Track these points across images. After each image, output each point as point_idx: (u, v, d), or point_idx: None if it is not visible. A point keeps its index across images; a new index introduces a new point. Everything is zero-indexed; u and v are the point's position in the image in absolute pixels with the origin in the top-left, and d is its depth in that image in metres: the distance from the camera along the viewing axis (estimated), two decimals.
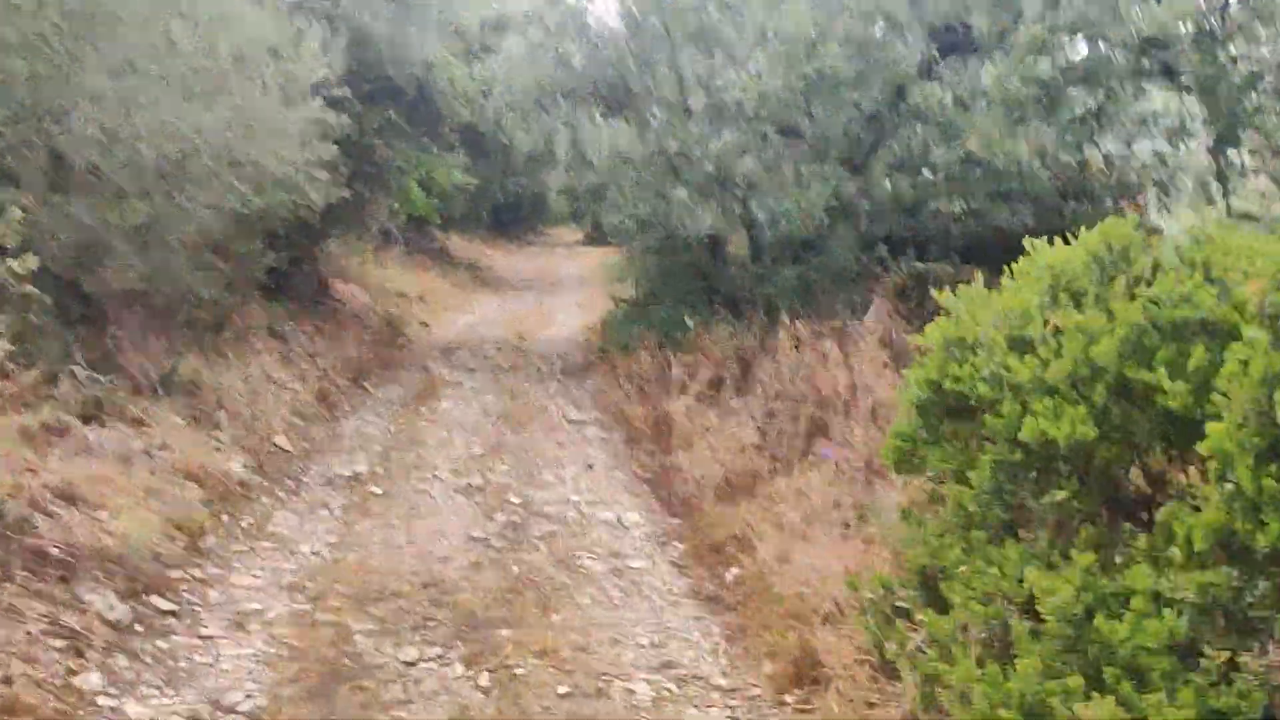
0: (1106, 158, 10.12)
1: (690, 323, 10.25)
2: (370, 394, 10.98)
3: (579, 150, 14.38)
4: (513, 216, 35.14)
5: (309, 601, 5.26)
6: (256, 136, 8.42)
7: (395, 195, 15.23)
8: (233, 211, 8.88)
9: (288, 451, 8.14)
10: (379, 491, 7.29)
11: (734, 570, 5.56)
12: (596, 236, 39.16)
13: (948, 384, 4.33)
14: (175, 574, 5.30)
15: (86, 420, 6.83)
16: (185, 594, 5.17)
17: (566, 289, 23.81)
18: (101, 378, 7.39)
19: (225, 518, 6.38)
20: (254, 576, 5.60)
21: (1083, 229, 4.15)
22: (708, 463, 6.99)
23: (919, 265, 12.78)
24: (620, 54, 12.13)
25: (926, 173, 9.23)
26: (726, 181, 11.18)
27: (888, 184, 9.55)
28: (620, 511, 6.84)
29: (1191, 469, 3.42)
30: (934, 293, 4.89)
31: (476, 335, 15.54)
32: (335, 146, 10.39)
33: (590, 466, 7.91)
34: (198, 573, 5.46)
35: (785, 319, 10.04)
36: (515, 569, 5.79)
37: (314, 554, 6.02)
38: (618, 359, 11.34)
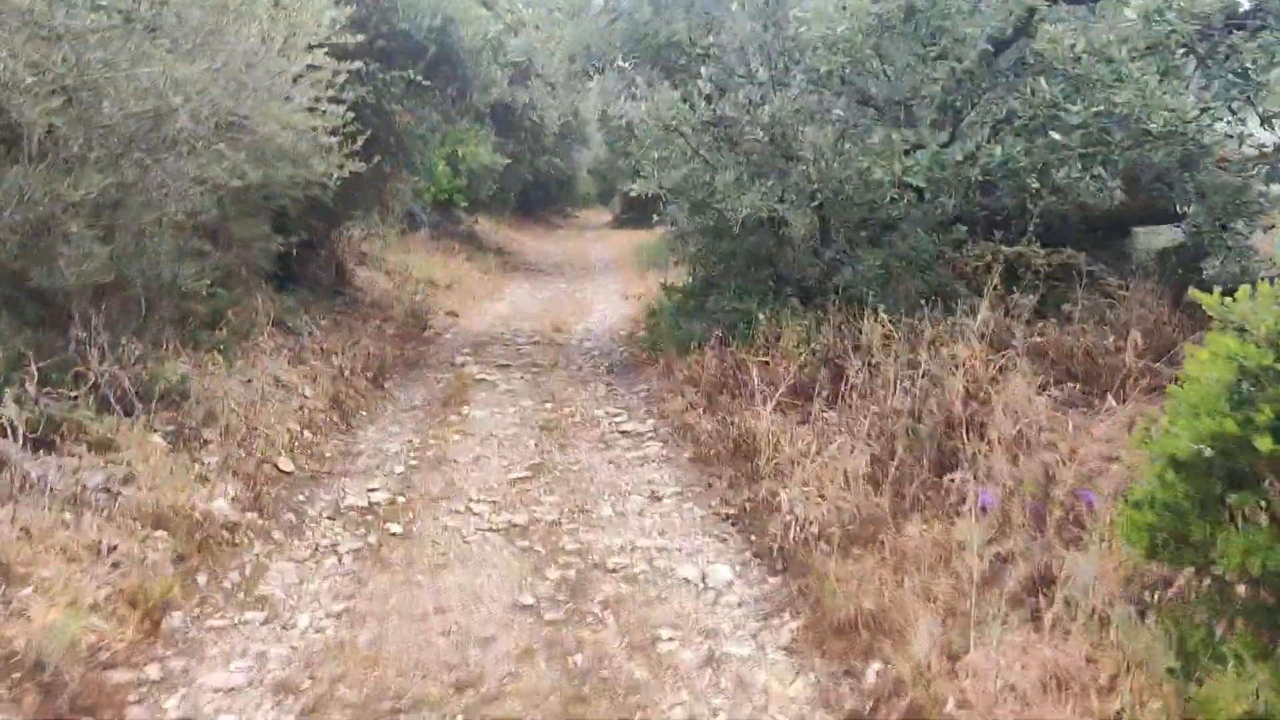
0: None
1: (761, 317, 8.73)
2: (392, 398, 9.52)
3: (618, 122, 12.89)
4: (541, 198, 33.66)
5: (301, 718, 3.80)
6: (252, 95, 6.94)
7: (419, 172, 13.72)
8: (229, 188, 7.44)
9: (290, 475, 6.69)
10: (399, 530, 5.81)
11: (875, 668, 4.05)
12: (626, 218, 37.65)
13: (1232, 429, 2.83)
14: (119, 678, 3.84)
15: (36, 448, 5.39)
16: (131, 711, 3.71)
17: (601, 274, 22.29)
18: (61, 392, 5.96)
19: (202, 578, 4.92)
20: (231, 671, 4.13)
21: None
22: (811, 499, 5.48)
23: (1006, 249, 11.27)
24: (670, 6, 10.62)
25: (1056, 135, 7.63)
26: (789, 151, 9.65)
27: (999, 150, 7.97)
28: (704, 564, 5.34)
29: None
30: (1195, 295, 3.38)
31: (509, 327, 14.06)
32: (347, 110, 8.93)
33: (657, 497, 6.40)
34: (154, 672, 4.00)
35: (871, 313, 8.60)
36: (578, 658, 4.30)
37: (314, 630, 4.55)
38: (673, 358, 9.85)
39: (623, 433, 7.98)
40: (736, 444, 6.79)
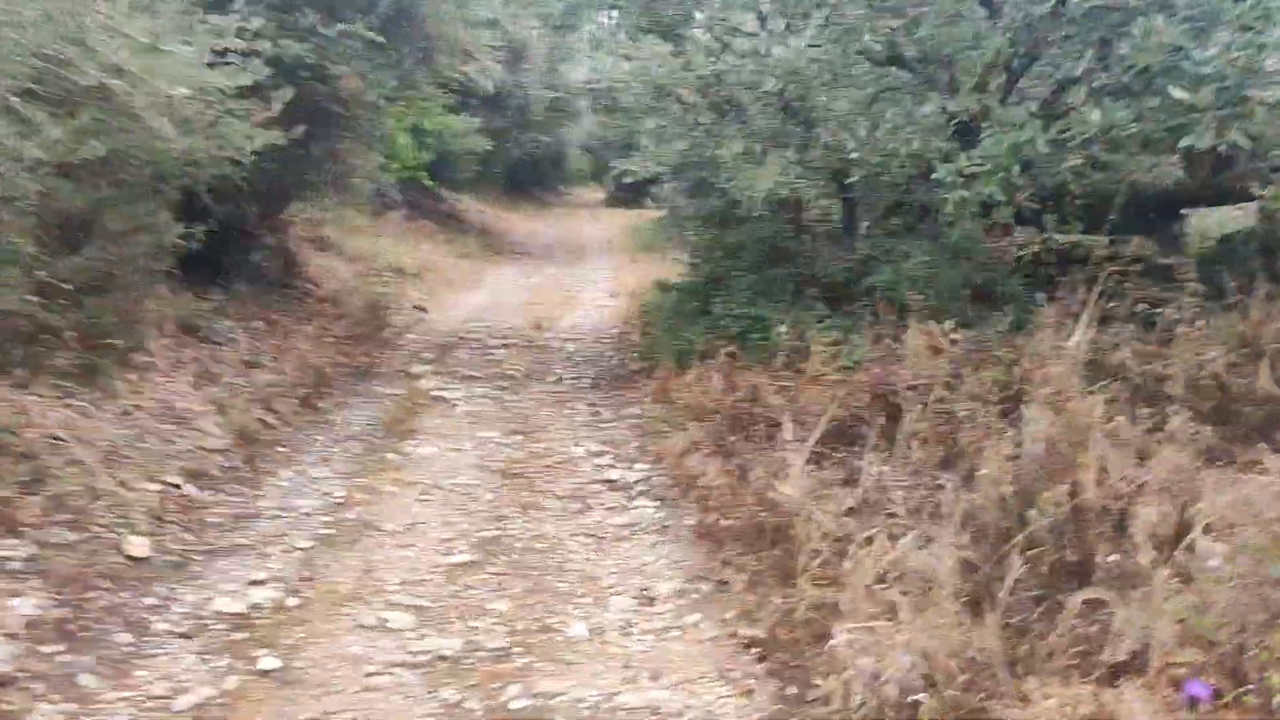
0: None
1: (783, 328, 6.81)
2: (324, 423, 7.59)
3: (602, 86, 10.96)
4: (531, 175, 31.62)
5: None
6: (99, 38, 4.99)
7: (378, 145, 11.74)
8: (81, 165, 5.52)
9: (144, 562, 4.77)
10: (274, 665, 3.89)
11: None
12: (619, 197, 35.61)
13: None
14: None
15: None
16: None
17: (592, 258, 20.34)
18: None
19: None
20: None
21: None
22: (880, 632, 3.57)
23: (1059, 237, 9.38)
24: None
25: (1179, 91, 5.67)
26: (808, 117, 7.72)
27: (1095, 115, 6.02)
28: None
29: None
30: None
31: (484, 323, 12.12)
32: (277, 73, 7.05)
33: (650, 599, 4.48)
34: None
35: (918, 320, 6.74)
36: None
37: None
38: (670, 372, 7.94)
39: (607, 483, 6.05)
40: (758, 514, 4.88)
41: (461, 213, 22.85)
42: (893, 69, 7.96)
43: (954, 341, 6.52)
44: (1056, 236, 9.41)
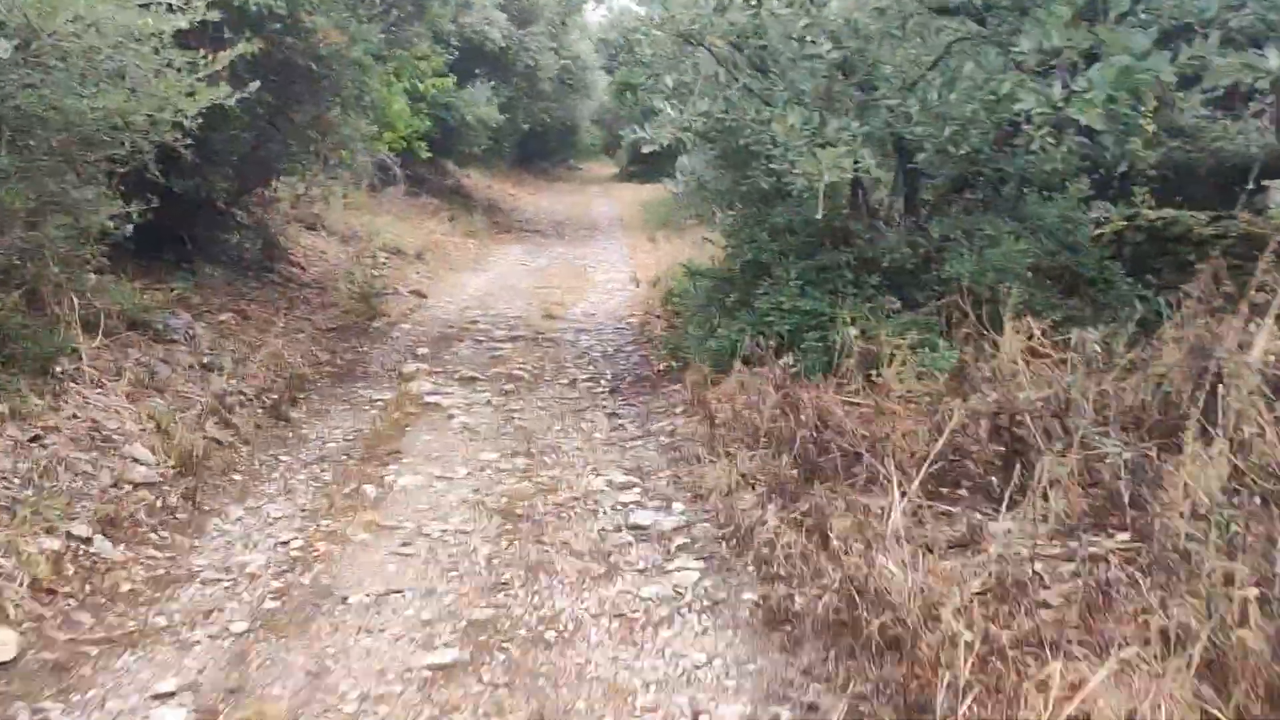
0: None
1: (852, 329, 5.45)
2: (294, 439, 6.27)
3: (615, 37, 9.53)
4: (541, 149, 30.15)
5: None
6: None
7: (369, 111, 10.34)
8: None
9: (8, 667, 3.45)
10: None
11: None
12: (633, 171, 34.10)
13: None
14: None
15: None
16: None
17: (604, 236, 18.93)
18: None
19: None
20: None
21: None
22: None
23: (1148, 213, 8.01)
24: None
25: None
26: (868, 79, 6.31)
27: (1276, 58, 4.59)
28: None
29: None
30: None
31: (487, 311, 10.75)
32: (210, 9, 5.67)
33: None
34: None
35: (1014, 320, 5.47)
36: None
37: None
38: (704, 375, 6.58)
39: (636, 530, 4.69)
40: (850, 595, 3.52)
41: (467, 188, 21.45)
42: (962, 18, 6.55)
43: (1061, 345, 5.19)
44: (1146, 211, 8.03)
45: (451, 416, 6.70)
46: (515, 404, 7.01)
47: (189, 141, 6.00)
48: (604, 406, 6.92)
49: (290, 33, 7.80)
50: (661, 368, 7.46)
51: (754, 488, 4.73)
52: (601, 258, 15.64)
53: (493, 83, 18.99)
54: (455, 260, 14.06)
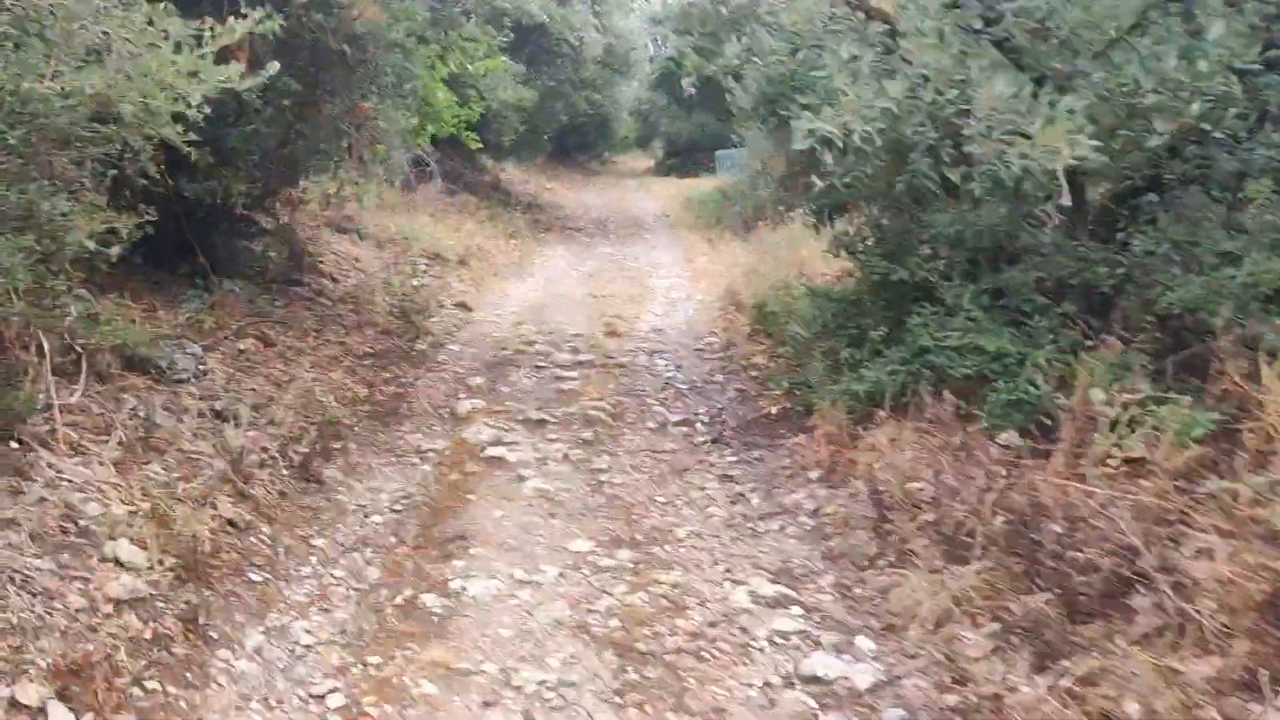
0: None
1: (1101, 392, 4.01)
2: (329, 510, 4.89)
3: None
4: (576, 142, 28.76)
5: None
6: None
7: (407, 100, 8.95)
8: None
9: None
10: None
11: None
12: (670, 165, 32.60)
13: None
14: None
15: None
16: None
17: (652, 234, 17.51)
18: None
19: None
20: None
21: None
22: None
23: None
24: None
25: None
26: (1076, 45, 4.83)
27: None
28: None
29: None
30: None
31: (541, 327, 9.35)
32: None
33: None
34: None
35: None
36: None
37: None
38: (840, 427, 5.17)
39: (815, 686, 3.27)
40: None
41: (505, 184, 20.06)
42: None
43: None
44: None
45: (522, 478, 5.30)
46: (598, 458, 5.61)
47: (196, 138, 4.60)
48: (711, 464, 5.51)
49: (319, 8, 6.42)
50: (774, 410, 6.03)
51: (977, 622, 3.31)
52: (654, 260, 14.22)
53: (530, 66, 17.55)
54: (499, 265, 12.66)
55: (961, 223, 5.09)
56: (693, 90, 36.74)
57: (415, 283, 10.11)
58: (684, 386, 7.14)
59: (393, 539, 4.62)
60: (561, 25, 19.52)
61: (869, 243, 6.42)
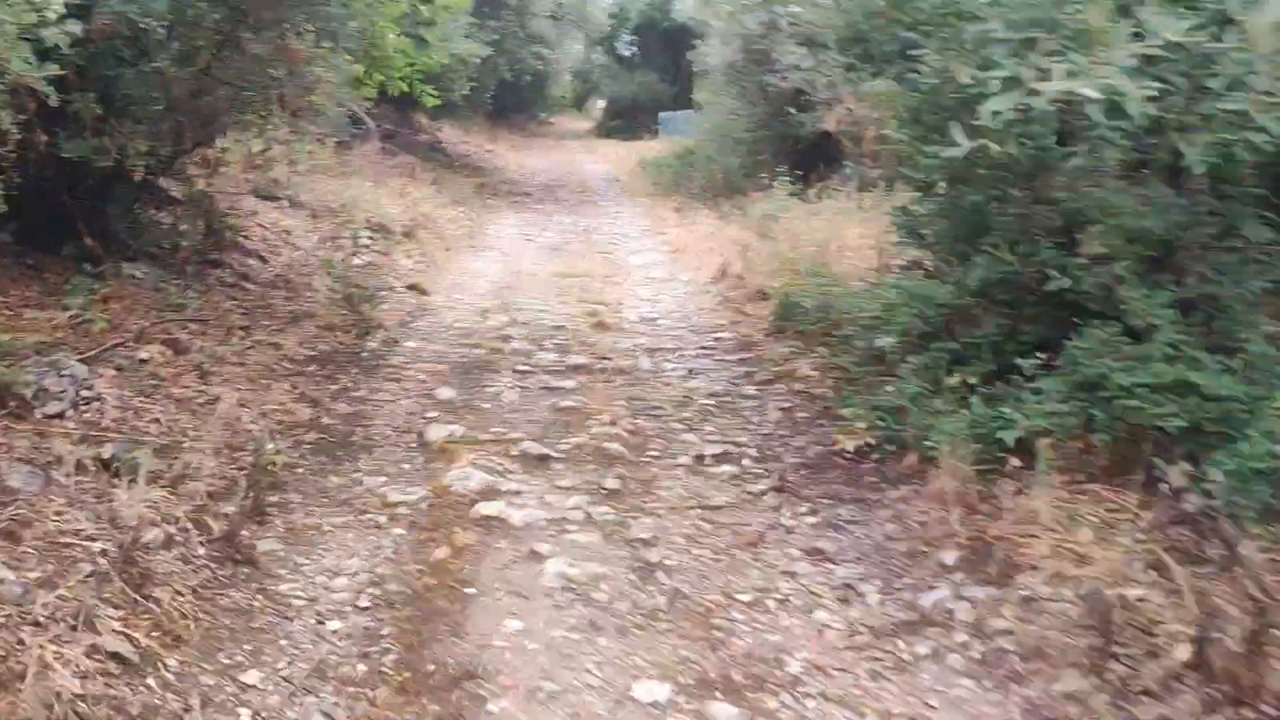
0: None
1: None
2: (261, 616, 3.31)
3: None
4: (513, 101, 26.85)
5: None
6: None
7: (352, 43, 7.25)
8: None
9: None
10: None
11: None
12: (612, 126, 30.85)
13: None
14: None
15: None
16: None
17: (608, 201, 15.93)
18: None
19: None
20: None
21: None
22: None
23: None
24: None
25: None
26: None
27: None
28: None
29: None
30: None
31: (514, 314, 7.77)
32: None
33: None
34: None
35: None
36: None
37: None
38: (964, 482, 3.73)
39: None
40: None
41: (446, 144, 18.26)
42: None
43: None
44: None
45: (537, 555, 3.77)
46: (633, 520, 4.09)
47: (69, 77, 2.96)
48: (787, 529, 4.01)
49: None
50: (850, 447, 4.54)
51: None
52: (620, 231, 12.65)
53: (473, 15, 15.73)
54: (449, 237, 10.99)
55: (1160, 210, 3.63)
56: (629, 51, 34.95)
57: (359, 261, 8.44)
58: (709, 402, 5.63)
59: (362, 668, 3.07)
60: None
61: (949, 228, 4.96)
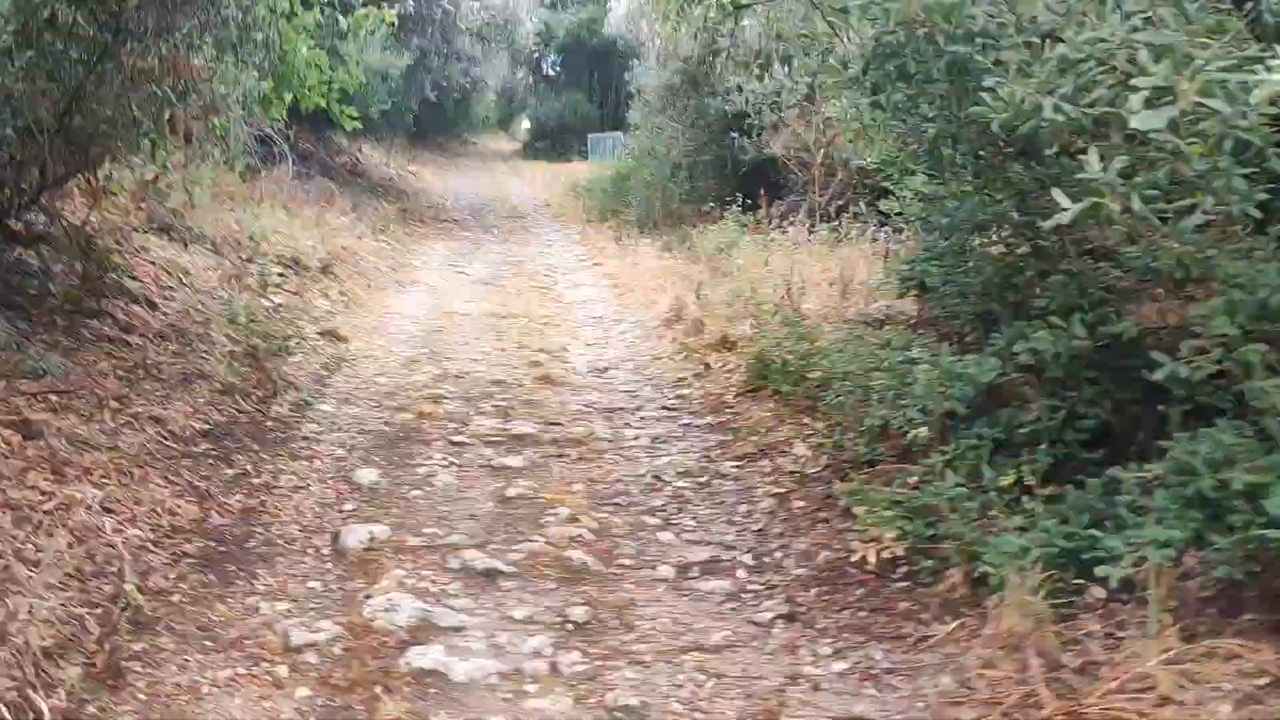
0: None
1: None
2: None
3: None
4: (436, 121, 25.73)
5: None
6: None
7: (257, 59, 6.21)
8: None
9: None
10: None
11: None
12: (539, 148, 29.84)
13: None
14: None
15: None
16: None
17: (540, 228, 14.98)
18: None
19: None
20: None
21: None
22: None
23: None
24: None
25: None
26: None
27: None
28: None
29: None
30: None
31: (445, 368, 6.76)
32: None
33: None
34: None
35: None
36: None
37: None
38: (1036, 607, 2.86)
39: None
40: None
41: (364, 167, 17.11)
42: None
43: None
44: None
45: None
46: (612, 674, 3.12)
47: None
48: (812, 682, 3.07)
49: None
50: (870, 557, 3.64)
51: None
52: (556, 262, 11.70)
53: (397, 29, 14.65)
54: (372, 272, 9.93)
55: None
56: (555, 71, 33.96)
57: (268, 303, 7.36)
58: (683, 484, 4.69)
59: None
60: None
61: (973, 283, 4.12)
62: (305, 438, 5.19)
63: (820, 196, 11.29)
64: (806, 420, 5.02)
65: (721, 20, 6.68)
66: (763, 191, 11.69)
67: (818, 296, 7.23)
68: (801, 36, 7.56)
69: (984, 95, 2.87)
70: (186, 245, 7.90)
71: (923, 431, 3.71)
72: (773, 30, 9.96)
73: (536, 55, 29.59)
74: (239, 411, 5.32)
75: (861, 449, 4.25)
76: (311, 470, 4.78)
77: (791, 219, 10.79)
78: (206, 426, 5.01)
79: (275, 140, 12.32)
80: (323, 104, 6.64)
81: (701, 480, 4.72)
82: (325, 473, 4.75)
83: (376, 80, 13.49)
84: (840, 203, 10.86)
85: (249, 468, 4.66)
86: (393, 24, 6.57)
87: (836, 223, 9.79)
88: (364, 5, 6.60)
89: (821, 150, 11.25)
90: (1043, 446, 3.49)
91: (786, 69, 12.11)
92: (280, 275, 8.09)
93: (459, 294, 9.44)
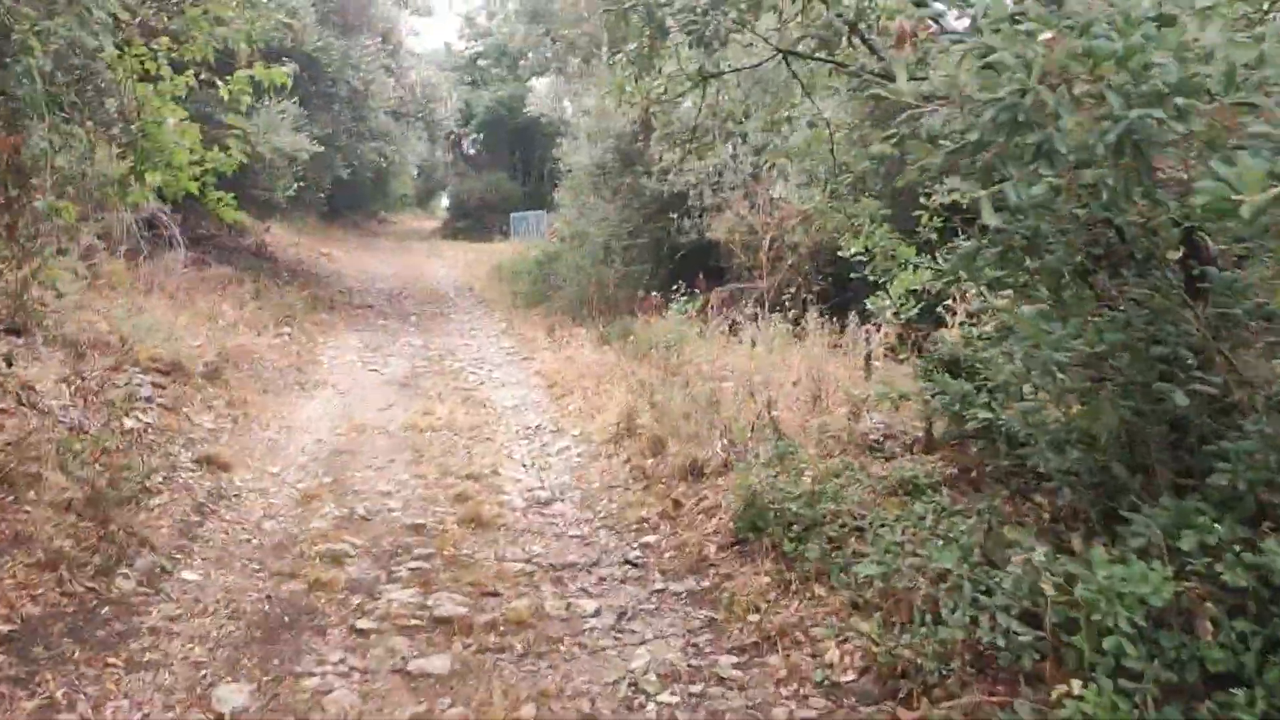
0: None
1: None
2: None
3: None
4: (350, 199, 24.38)
5: None
6: None
7: (112, 133, 4.86)
8: None
9: None
10: None
11: None
12: (460, 227, 28.52)
13: None
14: None
15: None
16: None
17: (463, 315, 13.65)
18: None
19: None
20: None
21: None
22: None
23: None
24: None
25: None
26: None
27: None
28: None
29: None
30: None
31: (350, 511, 5.37)
32: None
33: None
34: None
35: None
36: None
37: None
38: None
39: None
40: None
41: (270, 249, 15.63)
42: None
43: None
44: None
45: None
46: None
47: None
48: None
49: None
50: None
51: None
52: (479, 356, 10.38)
53: (304, 108, 13.36)
54: (271, 373, 8.48)
55: None
56: (475, 149, 32.81)
57: (130, 423, 5.92)
58: (671, 698, 3.39)
59: None
60: (340, 62, 15.46)
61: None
62: (153, 630, 3.77)
63: (768, 283, 10.24)
64: (822, 594, 3.77)
65: (681, 95, 5.54)
66: (701, 276, 10.65)
67: (786, 404, 6.05)
68: (771, 111, 6.50)
69: (1205, 183, 1.70)
70: (40, 349, 6.43)
71: (1033, 657, 2.49)
72: (719, 107, 8.89)
73: (456, 133, 28.46)
74: (64, 595, 3.88)
75: (928, 664, 3.00)
76: (153, 687, 3.37)
77: (734, 307, 9.70)
78: (11, 625, 3.57)
79: (165, 223, 10.89)
80: (193, 189, 5.28)
81: (695, 692, 3.42)
82: (173, 691, 3.35)
83: (283, 162, 12.15)
84: (791, 290, 9.84)
85: (59, 694, 3.24)
86: (285, 85, 5.22)
87: (789, 313, 8.71)
88: (248, 65, 5.26)
89: (769, 234, 10.22)
90: (1238, 693, 2.29)
91: (732, 147, 11.17)
92: (151, 387, 6.64)
93: (371, 400, 8.06)
